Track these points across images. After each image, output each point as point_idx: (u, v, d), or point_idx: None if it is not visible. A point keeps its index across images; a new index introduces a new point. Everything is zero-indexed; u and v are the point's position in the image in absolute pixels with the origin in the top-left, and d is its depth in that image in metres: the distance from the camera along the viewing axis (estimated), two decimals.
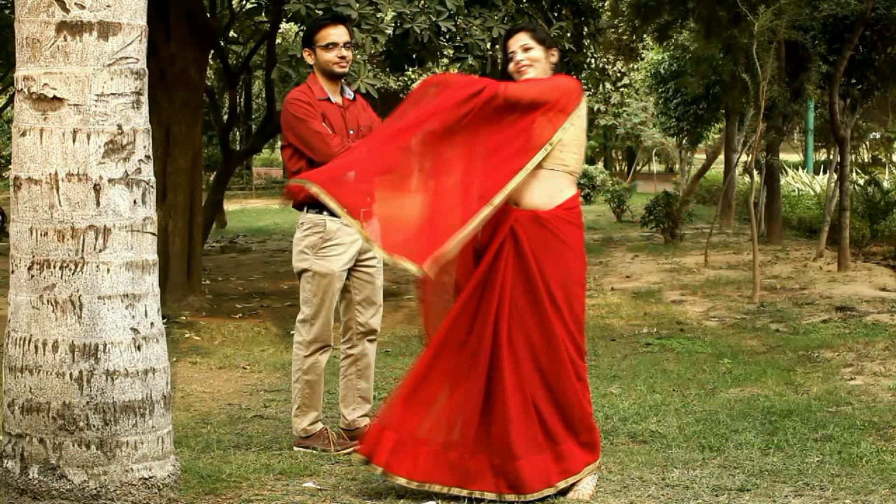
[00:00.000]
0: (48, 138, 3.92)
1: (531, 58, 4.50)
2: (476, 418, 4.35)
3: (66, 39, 3.88)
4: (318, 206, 5.22)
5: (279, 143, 25.35)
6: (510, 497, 4.32)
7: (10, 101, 18.20)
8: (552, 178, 4.41)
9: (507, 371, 4.34)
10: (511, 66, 4.53)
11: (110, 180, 3.94)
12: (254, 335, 8.53)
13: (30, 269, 3.96)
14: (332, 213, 5.20)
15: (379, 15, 7.42)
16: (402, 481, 4.36)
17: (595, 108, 25.50)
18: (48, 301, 3.93)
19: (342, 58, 5.24)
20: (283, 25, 15.42)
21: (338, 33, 5.25)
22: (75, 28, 3.88)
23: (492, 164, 4.31)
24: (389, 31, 7.54)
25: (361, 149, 4.47)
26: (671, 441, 5.38)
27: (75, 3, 3.87)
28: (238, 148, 21.25)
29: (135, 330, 3.99)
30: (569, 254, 4.43)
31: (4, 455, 4.04)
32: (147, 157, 4.05)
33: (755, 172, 13.12)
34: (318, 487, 4.60)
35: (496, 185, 4.29)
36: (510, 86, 4.38)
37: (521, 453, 4.30)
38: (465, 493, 4.33)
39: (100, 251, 3.93)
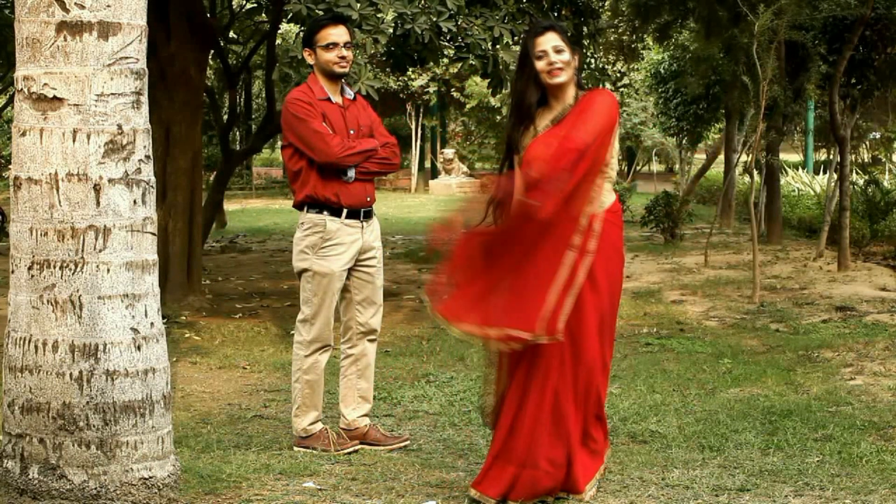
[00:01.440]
0: (48, 138, 3.92)
1: (564, 61, 4.36)
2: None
3: (66, 39, 3.88)
4: (318, 206, 5.22)
5: (279, 143, 25.39)
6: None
7: (10, 101, 18.19)
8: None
9: (548, 385, 4.36)
10: (542, 66, 4.37)
11: (110, 180, 3.94)
12: (254, 335, 8.53)
13: (30, 269, 3.96)
14: (332, 213, 5.23)
15: (379, 16, 7.42)
16: None
17: None
18: (48, 301, 3.93)
19: (342, 58, 5.24)
20: (284, 26, 15.41)
21: (338, 33, 5.25)
22: (75, 28, 3.88)
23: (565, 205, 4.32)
24: (390, 30, 7.53)
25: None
26: (671, 441, 5.38)
27: (75, 3, 3.87)
28: (238, 148, 21.24)
29: (135, 330, 3.99)
30: (616, 258, 4.45)
31: (4, 455, 4.04)
32: (147, 157, 4.05)
33: (755, 172, 13.12)
34: (318, 487, 4.60)
35: (573, 225, 4.30)
36: (583, 137, 4.25)
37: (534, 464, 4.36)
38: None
39: (100, 251, 3.93)
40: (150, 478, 4.01)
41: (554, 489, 4.38)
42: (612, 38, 18.06)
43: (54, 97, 3.90)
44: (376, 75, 21.83)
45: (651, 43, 19.60)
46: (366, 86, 7.27)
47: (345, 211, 5.22)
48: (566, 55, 4.38)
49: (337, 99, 5.30)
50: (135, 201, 4.00)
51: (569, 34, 4.50)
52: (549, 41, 4.37)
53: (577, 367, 4.35)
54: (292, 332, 5.68)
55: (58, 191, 3.91)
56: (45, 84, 3.90)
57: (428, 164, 29.74)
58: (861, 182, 14.60)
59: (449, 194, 26.41)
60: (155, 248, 4.12)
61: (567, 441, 4.35)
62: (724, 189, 17.74)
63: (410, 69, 19.66)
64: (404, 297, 10.45)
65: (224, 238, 16.71)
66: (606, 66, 20.86)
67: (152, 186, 4.09)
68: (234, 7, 14.28)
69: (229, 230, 18.16)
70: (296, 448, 5.28)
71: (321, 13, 6.95)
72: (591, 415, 4.47)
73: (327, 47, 5.22)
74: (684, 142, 21.47)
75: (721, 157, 20.53)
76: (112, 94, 3.93)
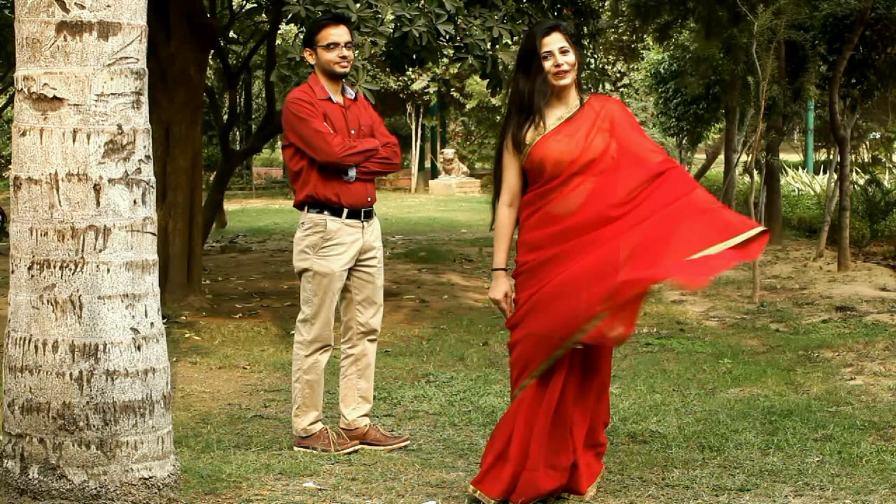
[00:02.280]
0: (48, 138, 3.92)
1: (570, 62, 4.36)
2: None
3: (66, 39, 3.88)
4: (318, 206, 5.22)
5: (279, 143, 25.25)
6: None
7: (10, 101, 18.19)
8: None
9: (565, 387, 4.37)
10: (549, 67, 4.35)
11: (110, 180, 3.94)
12: (254, 335, 8.52)
13: (30, 269, 3.96)
14: (333, 213, 5.22)
15: (378, 16, 7.41)
16: None
17: None
18: (48, 301, 3.93)
19: (343, 58, 5.24)
20: (283, 26, 15.41)
21: (339, 33, 5.25)
22: (75, 28, 3.88)
23: None
24: (389, 31, 7.53)
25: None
26: (671, 441, 5.38)
27: (75, 3, 3.87)
28: (238, 148, 21.23)
29: (135, 330, 3.99)
30: None
31: (4, 455, 4.04)
32: (147, 157, 4.05)
33: (755, 172, 13.11)
34: (318, 487, 4.60)
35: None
36: (656, 155, 4.34)
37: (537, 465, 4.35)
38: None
39: (100, 251, 3.93)
40: (150, 478, 4.01)
41: (556, 490, 4.38)
42: (612, 38, 18.05)
43: (54, 97, 3.90)
44: (375, 76, 21.82)
45: (651, 43, 19.60)
46: (363, 88, 7.27)
47: (345, 211, 5.22)
48: (571, 56, 4.38)
49: (338, 99, 5.30)
50: (135, 201, 4.00)
51: (571, 34, 4.50)
52: (556, 42, 4.36)
53: (591, 376, 4.38)
54: (292, 332, 5.68)
55: (58, 191, 3.91)
56: (45, 84, 3.90)
57: (428, 164, 29.73)
58: (861, 182, 14.60)
59: (449, 194, 26.42)
60: (155, 248, 4.12)
61: (572, 447, 4.36)
62: (724, 189, 17.73)
63: (410, 70, 19.65)
64: (404, 297, 10.45)
65: (224, 238, 16.71)
66: (606, 66, 20.86)
67: (152, 186, 4.09)
68: (234, 7, 14.28)
69: (229, 230, 18.16)
70: (296, 448, 5.28)
71: (320, 14, 6.95)
72: (600, 421, 4.50)
73: (328, 47, 5.22)
74: (684, 142, 21.47)
75: (721, 156, 20.54)
76: (112, 94, 3.93)
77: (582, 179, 4.31)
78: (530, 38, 4.44)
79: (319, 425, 5.33)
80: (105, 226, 3.93)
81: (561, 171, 4.32)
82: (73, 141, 3.90)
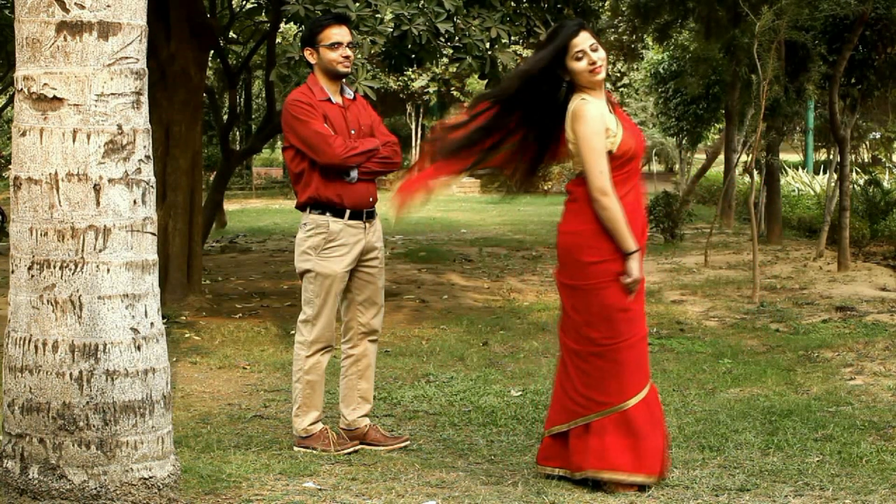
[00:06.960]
0: (48, 138, 3.92)
1: (602, 58, 4.51)
2: None
3: (66, 39, 3.88)
4: (321, 207, 5.22)
5: (279, 144, 25.23)
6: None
7: (10, 101, 18.20)
8: None
9: None
10: (583, 66, 4.46)
11: (110, 180, 3.94)
12: (254, 335, 8.53)
13: (30, 269, 3.96)
14: (335, 214, 5.22)
15: (377, 16, 7.41)
16: None
17: None
18: (48, 301, 3.93)
19: (346, 57, 5.24)
20: (283, 25, 15.42)
21: (341, 33, 5.24)
22: (75, 28, 3.88)
23: None
24: (388, 31, 7.53)
25: None
26: (671, 441, 5.38)
27: (75, 3, 3.87)
28: (238, 148, 21.24)
29: (135, 330, 3.99)
30: None
31: (4, 455, 4.04)
32: (147, 157, 4.05)
33: (755, 172, 13.11)
34: (318, 487, 4.60)
35: None
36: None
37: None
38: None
39: (100, 251, 3.93)
40: (150, 478, 4.01)
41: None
42: (612, 38, 18.06)
43: (54, 97, 3.90)
44: (375, 76, 21.82)
45: (651, 43, 19.61)
46: (363, 86, 7.26)
47: (348, 212, 5.22)
48: (602, 52, 4.53)
49: (337, 99, 5.30)
50: (135, 201, 4.00)
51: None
52: (586, 41, 4.48)
53: None
54: (292, 332, 5.68)
55: (58, 191, 3.91)
56: (45, 84, 3.90)
57: None
58: (861, 182, 14.61)
59: (449, 194, 26.42)
60: (155, 248, 4.12)
61: None
62: (724, 189, 17.75)
63: (410, 70, 19.63)
64: (405, 298, 10.45)
65: (224, 238, 16.71)
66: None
67: (152, 186, 4.09)
68: (234, 7, 14.30)
69: (229, 230, 18.16)
70: (296, 448, 5.28)
71: (319, 14, 6.95)
72: None
73: (332, 46, 5.21)
74: (684, 142, 21.48)
75: (721, 157, 20.56)
76: (112, 94, 3.93)
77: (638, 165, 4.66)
78: (553, 39, 4.55)
79: (320, 425, 5.33)
80: (105, 226, 3.93)
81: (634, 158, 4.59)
82: (73, 141, 3.90)
